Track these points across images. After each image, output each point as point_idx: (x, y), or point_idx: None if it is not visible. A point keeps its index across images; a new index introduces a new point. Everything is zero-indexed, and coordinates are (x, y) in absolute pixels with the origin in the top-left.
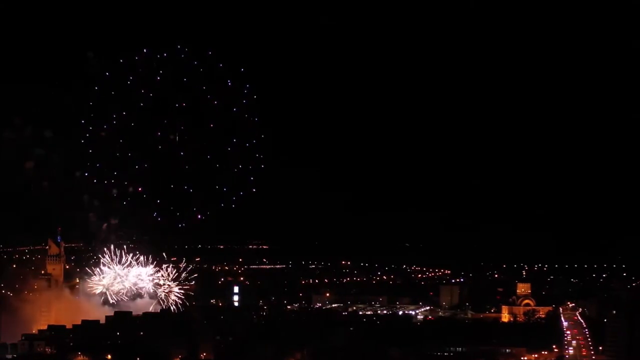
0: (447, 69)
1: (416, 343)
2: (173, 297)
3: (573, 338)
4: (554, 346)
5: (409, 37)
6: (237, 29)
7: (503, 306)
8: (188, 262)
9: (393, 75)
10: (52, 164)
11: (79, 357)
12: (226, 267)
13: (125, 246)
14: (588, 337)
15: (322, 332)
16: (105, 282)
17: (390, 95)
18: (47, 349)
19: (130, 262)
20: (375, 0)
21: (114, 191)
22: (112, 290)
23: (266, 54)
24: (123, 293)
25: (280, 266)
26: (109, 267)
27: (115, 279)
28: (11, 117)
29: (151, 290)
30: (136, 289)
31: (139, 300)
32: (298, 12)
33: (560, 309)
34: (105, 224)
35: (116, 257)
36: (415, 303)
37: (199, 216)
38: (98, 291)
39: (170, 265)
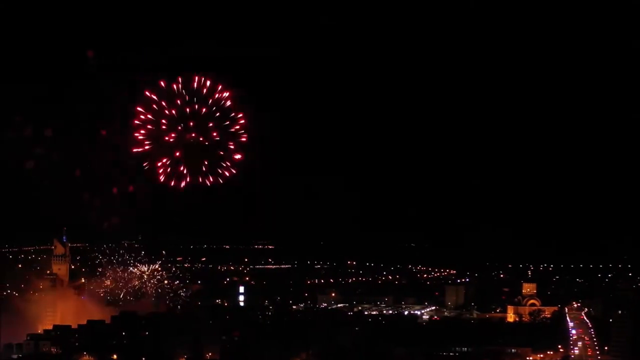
0: (449, 69)
1: (421, 343)
2: (178, 297)
3: (579, 338)
4: (559, 346)
5: (408, 37)
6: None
7: (508, 306)
8: (193, 262)
9: (400, 75)
10: (53, 164)
11: (85, 357)
12: (232, 267)
13: (130, 246)
14: (594, 337)
15: (327, 332)
16: (110, 282)
17: (396, 95)
18: (52, 349)
19: (135, 262)
20: (375, 1)
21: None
22: (116, 291)
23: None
24: (128, 293)
25: (286, 266)
26: (114, 267)
27: (120, 279)
28: (12, 116)
29: (156, 291)
30: (141, 289)
31: (144, 300)
32: (298, 11)
33: (566, 309)
34: (106, 223)
35: (121, 257)
36: (420, 303)
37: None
38: (103, 291)
39: (176, 265)
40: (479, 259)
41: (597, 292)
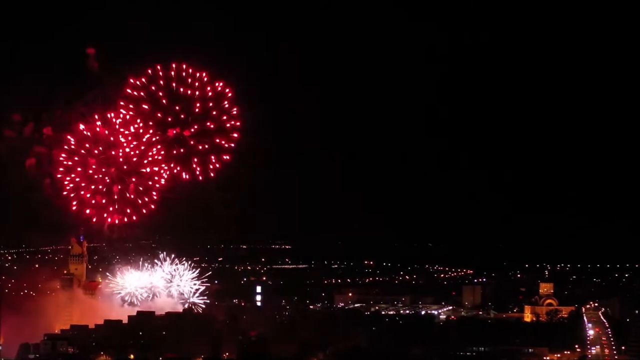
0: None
1: (439, 343)
2: (196, 297)
3: (595, 338)
4: (576, 346)
5: (413, 37)
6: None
7: (525, 306)
8: (211, 262)
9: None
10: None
11: (102, 357)
12: (249, 267)
13: (147, 246)
14: (611, 337)
15: (344, 332)
16: (126, 282)
17: (406, 92)
18: (69, 349)
19: (152, 261)
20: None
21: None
22: (133, 291)
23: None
24: (144, 293)
25: (303, 266)
26: (130, 267)
27: (136, 278)
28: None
29: (175, 291)
30: (157, 288)
31: (161, 300)
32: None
33: (583, 309)
34: (116, 223)
35: (138, 258)
36: (437, 303)
37: None
38: (120, 291)
39: (193, 265)
40: (496, 258)
41: (614, 292)
